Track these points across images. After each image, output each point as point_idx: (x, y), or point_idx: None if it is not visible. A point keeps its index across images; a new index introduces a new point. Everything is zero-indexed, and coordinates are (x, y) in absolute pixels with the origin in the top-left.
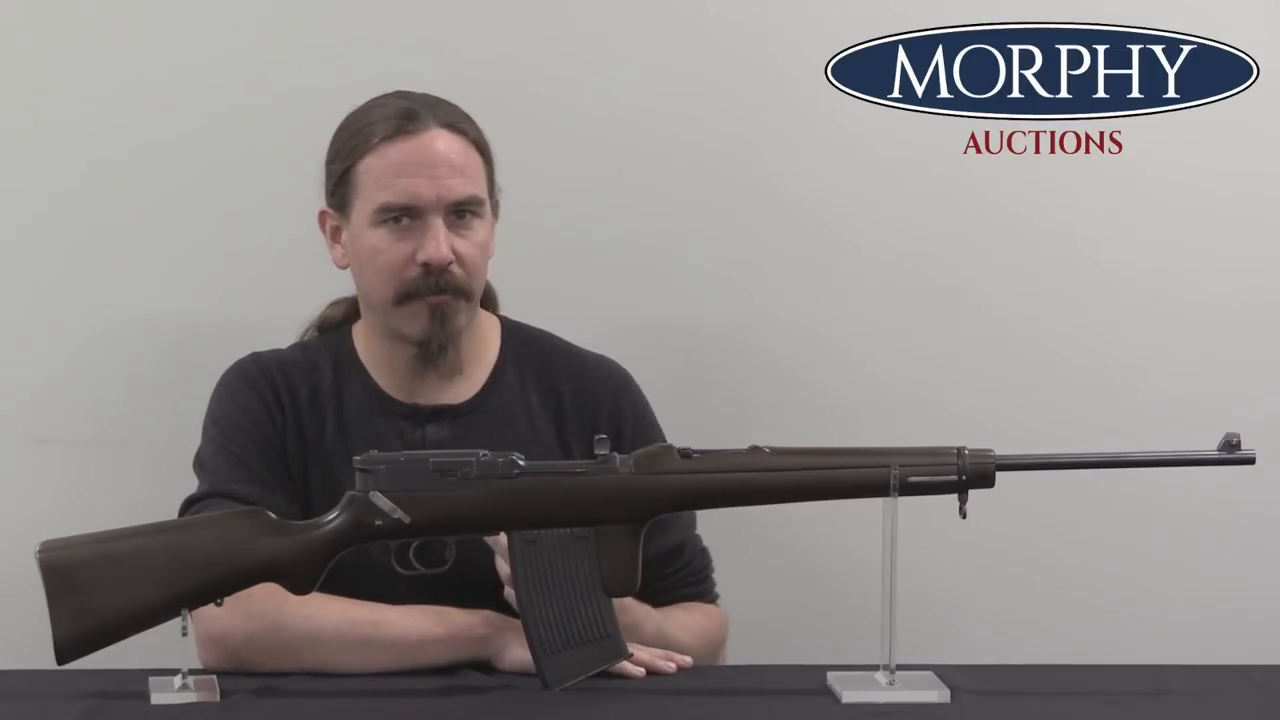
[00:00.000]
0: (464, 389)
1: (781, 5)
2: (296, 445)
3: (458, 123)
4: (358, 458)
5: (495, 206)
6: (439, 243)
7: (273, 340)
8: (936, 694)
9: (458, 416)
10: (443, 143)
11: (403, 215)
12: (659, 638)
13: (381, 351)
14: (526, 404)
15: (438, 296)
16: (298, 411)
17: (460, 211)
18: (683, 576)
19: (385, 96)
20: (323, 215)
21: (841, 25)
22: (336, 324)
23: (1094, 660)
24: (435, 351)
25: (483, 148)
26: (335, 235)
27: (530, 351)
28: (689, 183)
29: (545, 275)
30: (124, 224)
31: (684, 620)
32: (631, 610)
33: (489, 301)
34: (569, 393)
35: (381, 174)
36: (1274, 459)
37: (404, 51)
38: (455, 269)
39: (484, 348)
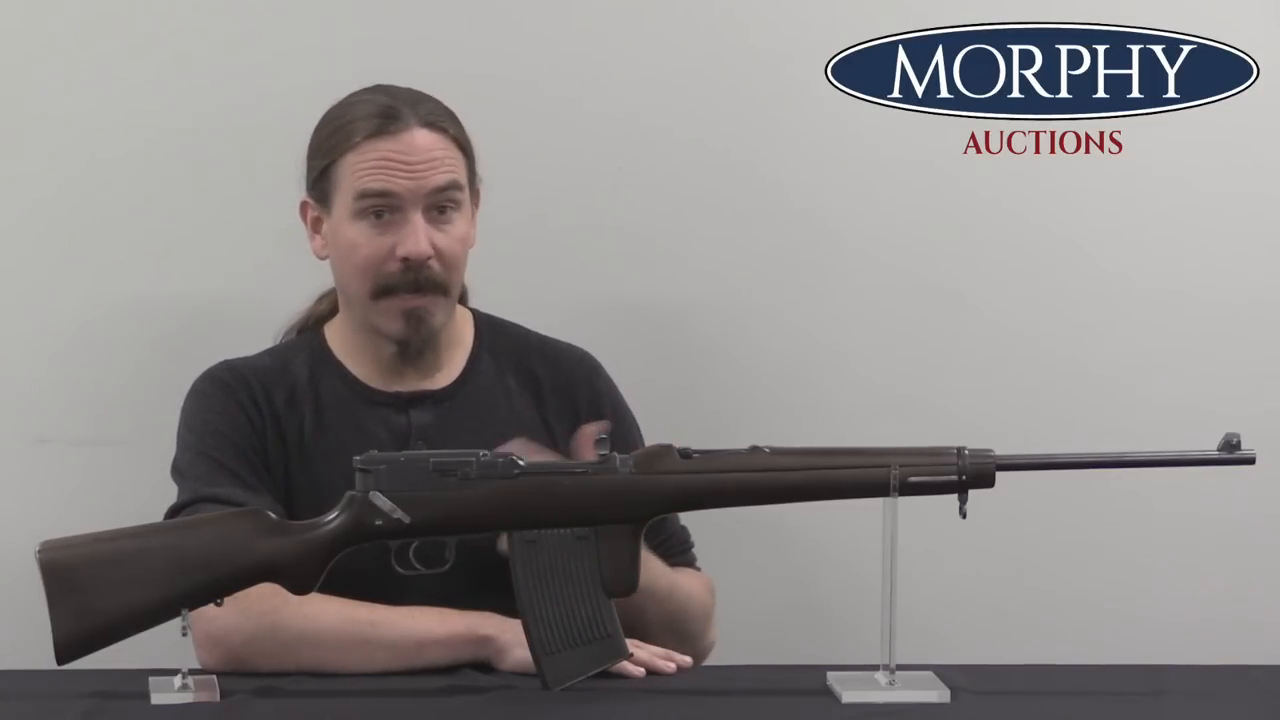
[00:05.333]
0: (442, 376)
1: (781, 5)
2: (276, 446)
3: (438, 120)
4: (358, 458)
5: (476, 196)
6: (419, 237)
7: (274, 339)
8: (936, 694)
9: (439, 401)
10: (422, 139)
11: (382, 209)
12: (669, 591)
13: (359, 344)
14: (505, 387)
15: (415, 297)
16: (274, 412)
17: (440, 205)
18: (669, 548)
19: (366, 91)
20: (304, 206)
21: (841, 25)
22: (321, 318)
23: (1094, 660)
24: (415, 352)
25: (463, 143)
26: (316, 226)
27: (504, 340)
28: (689, 182)
29: (544, 273)
30: (125, 224)
31: (687, 584)
32: (662, 577)
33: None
34: (546, 377)
35: (359, 168)
36: (1274, 459)
37: (401, 47)
38: (434, 264)
39: (459, 336)
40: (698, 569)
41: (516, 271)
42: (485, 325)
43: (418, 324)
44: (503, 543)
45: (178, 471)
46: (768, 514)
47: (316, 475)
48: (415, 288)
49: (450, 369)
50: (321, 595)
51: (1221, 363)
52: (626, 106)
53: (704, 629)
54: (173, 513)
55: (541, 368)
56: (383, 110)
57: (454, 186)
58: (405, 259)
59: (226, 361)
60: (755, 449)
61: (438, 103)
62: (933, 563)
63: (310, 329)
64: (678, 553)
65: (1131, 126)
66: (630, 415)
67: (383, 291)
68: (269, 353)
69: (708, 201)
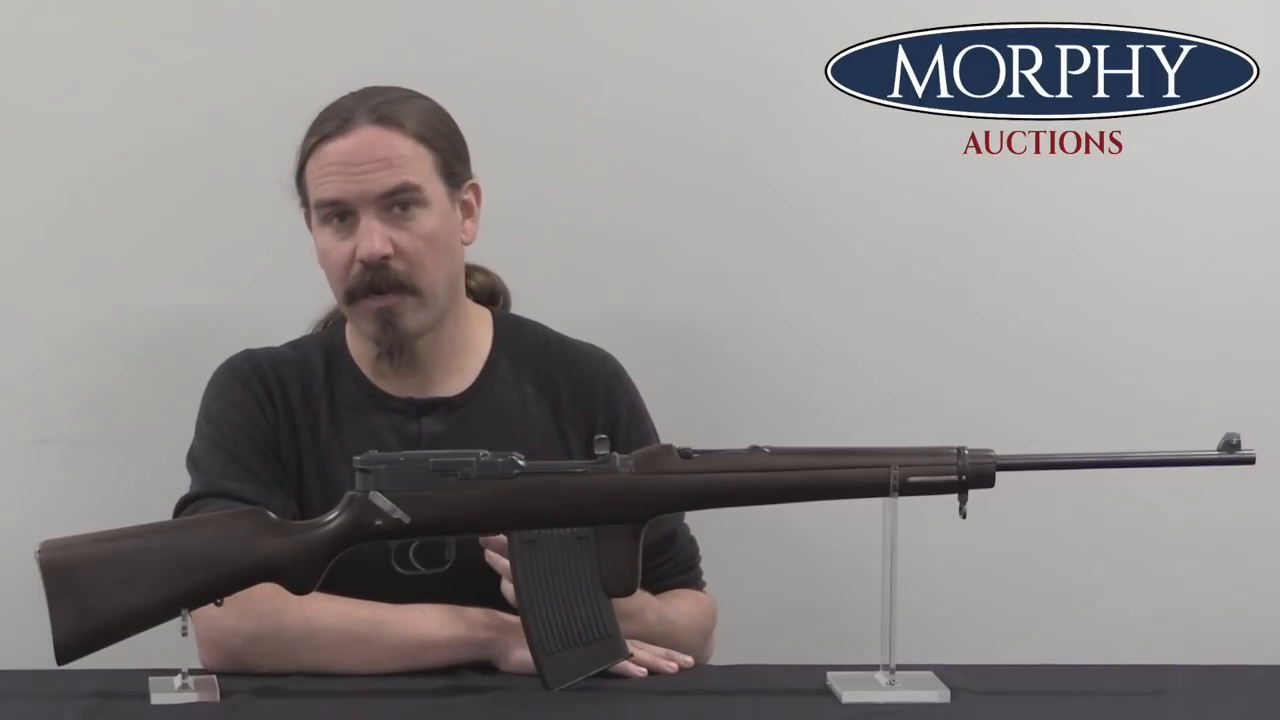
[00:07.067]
0: (457, 382)
1: (782, 5)
2: (290, 442)
3: (393, 115)
4: (358, 458)
5: (475, 191)
6: (370, 238)
7: (274, 338)
8: (936, 694)
9: (453, 409)
10: (370, 139)
11: (340, 213)
12: (660, 622)
13: (365, 347)
14: (521, 395)
15: (379, 298)
16: (290, 408)
17: (399, 204)
18: (673, 565)
19: (347, 95)
20: (306, 217)
21: (841, 25)
22: (344, 316)
23: (1094, 660)
24: (388, 353)
25: (427, 138)
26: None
27: (523, 343)
28: (689, 182)
29: (544, 272)
30: (124, 224)
31: (679, 607)
32: (634, 597)
33: (497, 299)
34: (564, 383)
35: (316, 175)
36: (1274, 459)
37: (402, 48)
38: (395, 264)
39: (475, 340)
40: (703, 584)
41: (512, 273)
42: (505, 327)
43: (385, 324)
44: (495, 561)
45: (193, 461)
46: (768, 514)
47: (327, 474)
48: (375, 289)
49: (465, 375)
50: (323, 595)
51: (1221, 363)
52: (625, 107)
53: (698, 651)
54: (184, 503)
55: (560, 374)
56: (340, 112)
57: (405, 188)
58: (363, 261)
59: (249, 351)
60: (755, 449)
61: (407, 99)
62: (933, 562)
63: (334, 323)
64: (682, 570)
65: (1131, 126)
66: (648, 422)
67: (351, 296)
68: (292, 344)
69: (707, 201)
